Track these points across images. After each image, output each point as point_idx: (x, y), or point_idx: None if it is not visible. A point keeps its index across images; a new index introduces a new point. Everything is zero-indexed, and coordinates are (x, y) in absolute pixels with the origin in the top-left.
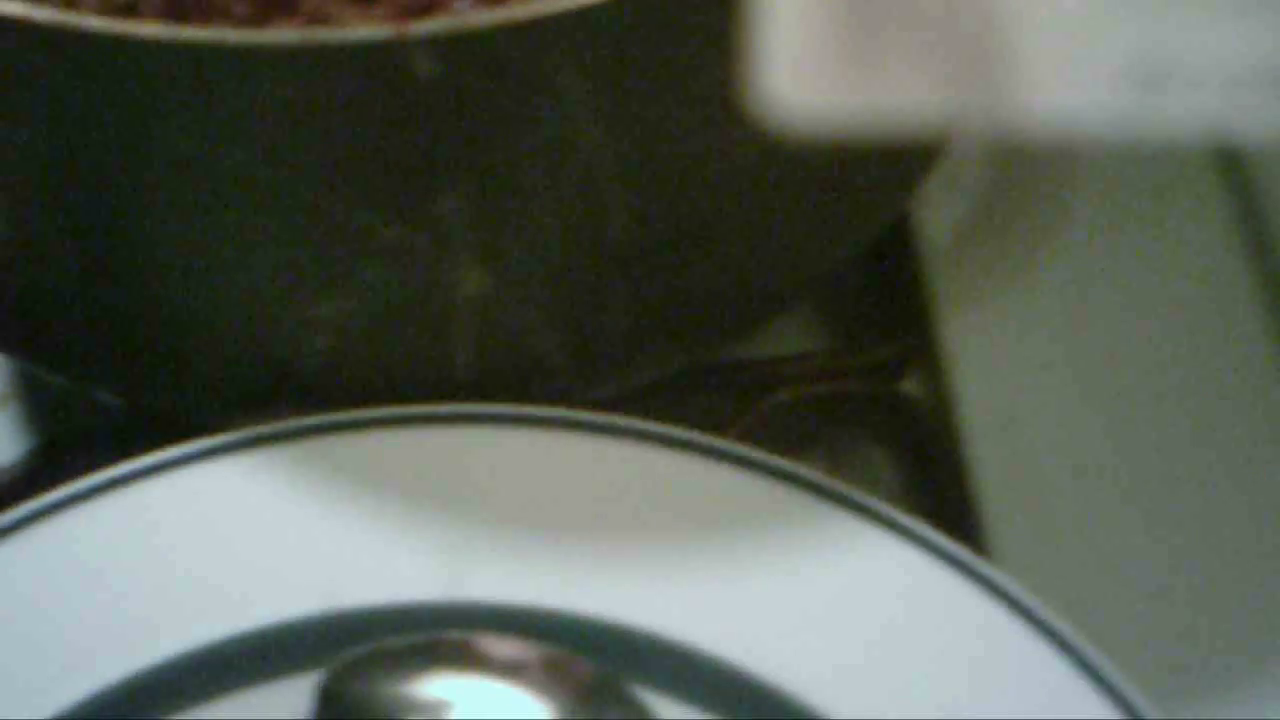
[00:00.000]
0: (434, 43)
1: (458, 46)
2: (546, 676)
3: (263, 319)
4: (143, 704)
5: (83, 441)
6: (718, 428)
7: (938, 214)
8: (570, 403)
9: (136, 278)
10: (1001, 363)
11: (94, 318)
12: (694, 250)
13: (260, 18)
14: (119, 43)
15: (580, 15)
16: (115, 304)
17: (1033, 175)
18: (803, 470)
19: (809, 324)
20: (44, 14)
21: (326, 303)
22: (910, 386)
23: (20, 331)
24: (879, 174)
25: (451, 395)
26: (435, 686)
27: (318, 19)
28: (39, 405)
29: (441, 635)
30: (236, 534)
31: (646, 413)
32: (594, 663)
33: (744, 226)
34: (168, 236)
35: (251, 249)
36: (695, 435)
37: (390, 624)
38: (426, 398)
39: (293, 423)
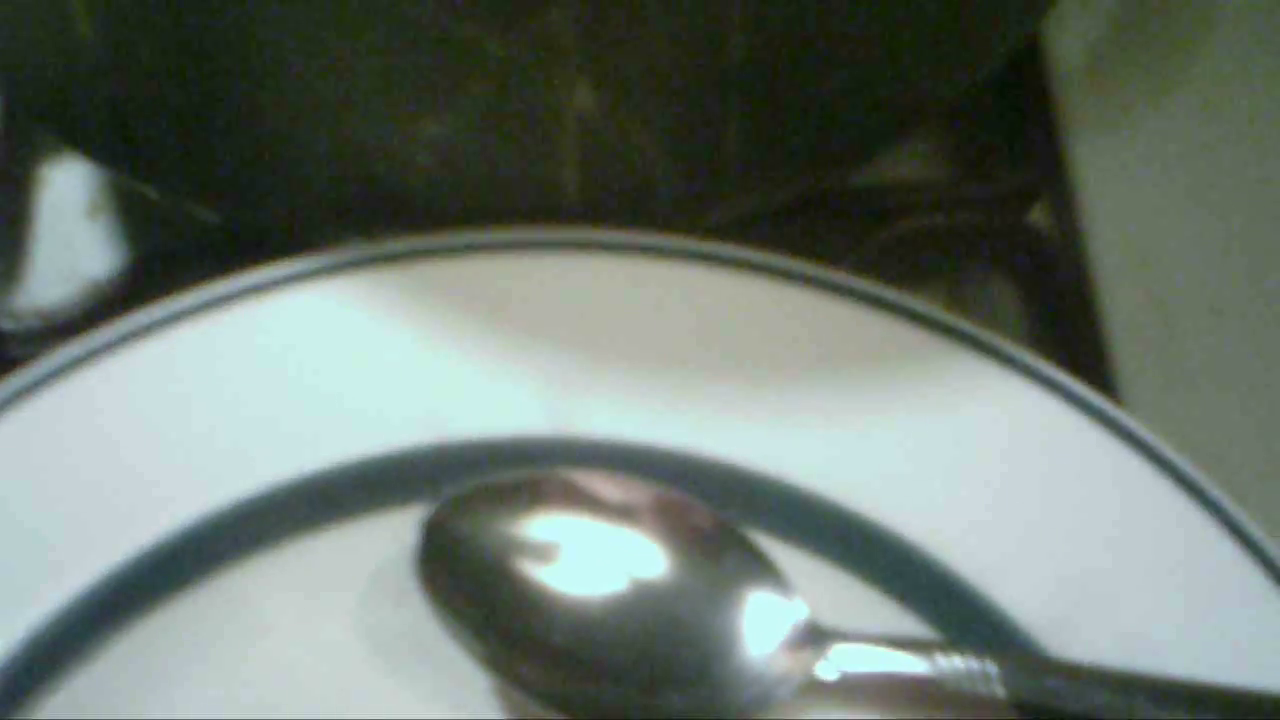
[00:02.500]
0: None
1: None
2: (661, 520)
3: (366, 135)
4: (243, 533)
5: (176, 258)
6: (833, 259)
7: (1070, 35)
8: (681, 230)
9: (236, 88)
10: (1135, 193)
11: (192, 129)
12: (814, 68)
13: None
14: None
15: None
16: (214, 115)
17: None
18: (929, 308)
19: (932, 152)
20: None
21: (432, 119)
22: (1038, 218)
23: (115, 142)
24: None
25: (558, 219)
26: (543, 526)
27: None
28: (132, 219)
29: (549, 472)
30: (336, 359)
31: (759, 242)
32: (708, 507)
33: (867, 44)
34: (270, 47)
35: (356, 62)
36: (817, 268)
37: (495, 458)
38: (534, 221)
39: (395, 244)
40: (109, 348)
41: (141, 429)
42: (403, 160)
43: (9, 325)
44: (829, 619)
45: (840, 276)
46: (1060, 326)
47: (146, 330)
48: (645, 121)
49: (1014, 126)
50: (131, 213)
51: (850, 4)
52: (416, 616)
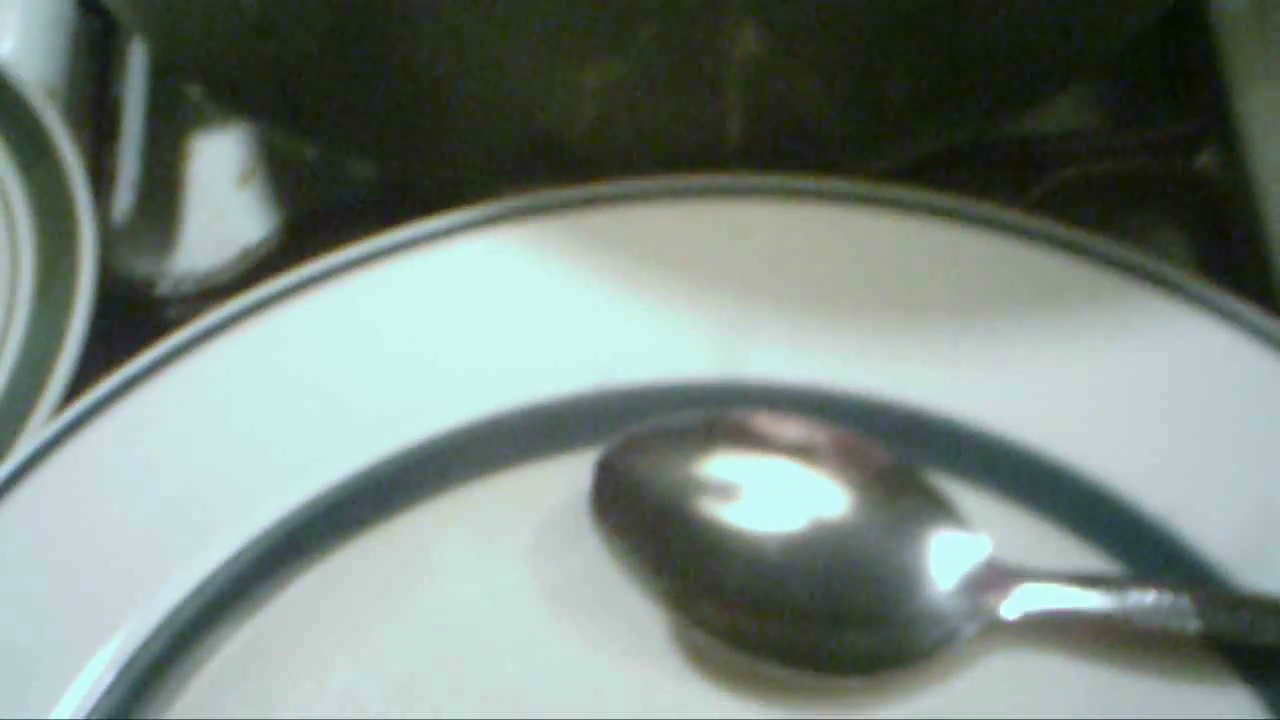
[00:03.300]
0: None
1: None
2: (839, 459)
3: (528, 86)
4: (415, 479)
5: (328, 220)
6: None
7: None
8: (845, 176)
9: (397, 38)
10: None
11: (351, 81)
12: (986, 10)
13: None
14: None
15: None
16: (374, 66)
17: None
18: (1105, 243)
19: (1097, 98)
20: None
21: (595, 67)
22: (1205, 164)
23: (274, 98)
24: None
25: (722, 166)
26: (720, 466)
27: None
28: (286, 181)
29: (723, 413)
30: (504, 308)
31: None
32: (885, 446)
33: None
34: (434, 21)
35: (520, 11)
36: (988, 208)
37: (666, 402)
38: (696, 169)
39: (559, 193)
40: (273, 302)
41: (310, 380)
42: (564, 110)
43: (166, 290)
44: (1010, 558)
45: (1012, 215)
46: (1230, 273)
47: (310, 284)
48: (812, 65)
49: (1179, 72)
50: (282, 180)
51: None
52: (589, 559)
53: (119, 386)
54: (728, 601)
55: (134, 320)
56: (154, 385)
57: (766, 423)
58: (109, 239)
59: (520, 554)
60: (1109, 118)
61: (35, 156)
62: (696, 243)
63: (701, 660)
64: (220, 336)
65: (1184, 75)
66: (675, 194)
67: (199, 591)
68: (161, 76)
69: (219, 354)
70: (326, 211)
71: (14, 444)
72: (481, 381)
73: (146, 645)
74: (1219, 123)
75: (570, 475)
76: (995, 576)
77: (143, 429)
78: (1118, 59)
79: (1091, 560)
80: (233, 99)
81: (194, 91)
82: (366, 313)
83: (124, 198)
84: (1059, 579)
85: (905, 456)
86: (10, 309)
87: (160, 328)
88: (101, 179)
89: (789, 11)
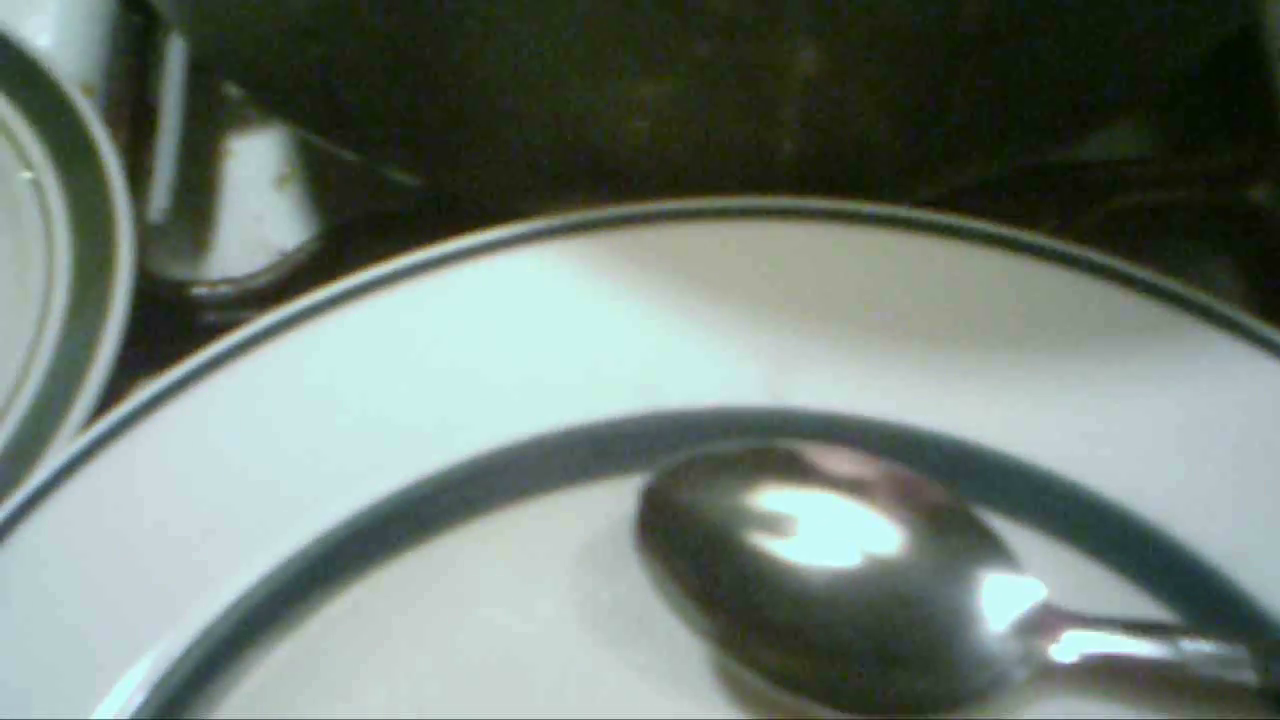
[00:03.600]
0: None
1: None
2: (891, 495)
3: (580, 100)
4: (453, 501)
5: (371, 227)
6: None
7: None
8: (896, 200)
9: (449, 47)
10: None
11: (398, 90)
12: (1045, 37)
13: None
14: None
15: None
16: (423, 75)
17: None
18: (1160, 278)
19: (1149, 126)
20: None
21: (649, 82)
22: (1258, 195)
23: (317, 103)
24: None
25: (773, 187)
26: (769, 498)
27: None
28: (324, 187)
29: (772, 443)
30: (547, 327)
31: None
32: (937, 482)
33: (1102, 10)
34: (484, 6)
35: (574, 23)
36: (1042, 238)
37: (712, 428)
38: (746, 189)
39: (607, 211)
40: (314, 313)
41: (348, 394)
42: (616, 125)
43: (202, 293)
44: (1063, 601)
45: (1064, 246)
46: None
47: (352, 296)
48: (870, 86)
49: (1230, 102)
50: (320, 184)
51: None
52: (631, 588)
53: (156, 396)
54: (773, 638)
55: (169, 323)
56: (191, 396)
57: (817, 454)
58: (144, 240)
59: (561, 580)
60: (1161, 147)
61: (73, 154)
62: (745, 265)
63: (744, 698)
64: (260, 347)
65: (1238, 105)
66: (724, 215)
67: (232, 611)
68: (200, 75)
69: (258, 365)
70: (365, 220)
71: (48, 450)
72: (523, 401)
73: (177, 666)
74: (1273, 154)
75: (612, 500)
76: (1047, 620)
77: (178, 441)
78: (1172, 88)
79: (1146, 607)
80: (274, 102)
81: (233, 92)
82: (409, 327)
83: (160, 198)
84: (1112, 625)
85: (957, 493)
86: (46, 309)
87: (196, 332)
88: (138, 178)
89: (848, 32)
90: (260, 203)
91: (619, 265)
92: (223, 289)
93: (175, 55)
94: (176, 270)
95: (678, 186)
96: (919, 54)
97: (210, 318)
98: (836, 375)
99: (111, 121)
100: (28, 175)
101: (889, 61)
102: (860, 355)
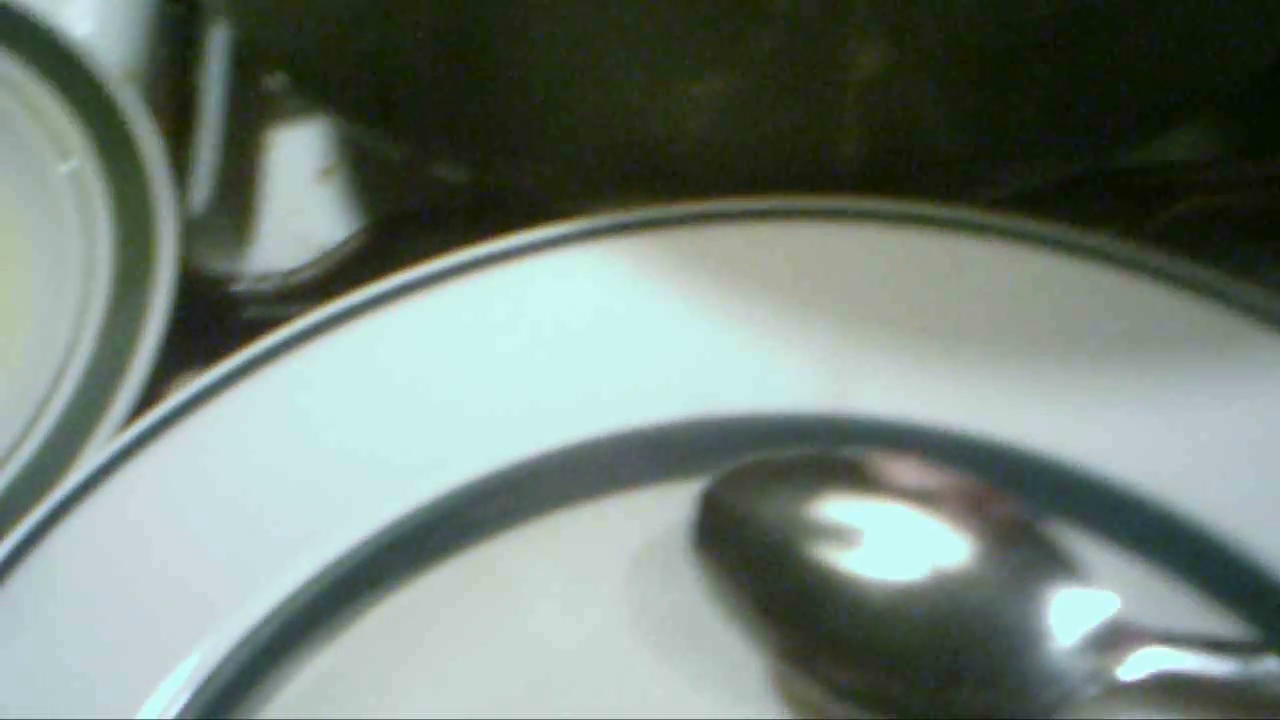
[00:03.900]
0: None
1: None
2: (957, 505)
3: (636, 95)
4: (503, 504)
5: (416, 222)
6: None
7: None
8: (961, 202)
9: (502, 39)
10: None
11: (449, 82)
12: (1117, 35)
13: None
14: None
15: None
16: (475, 67)
17: None
18: (1230, 283)
19: (1220, 128)
20: None
21: (709, 78)
22: None
23: (365, 95)
24: None
25: (833, 187)
26: (831, 507)
27: None
28: (368, 180)
29: (834, 450)
30: (600, 327)
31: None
32: (1004, 492)
33: (1175, 10)
34: (538, 21)
35: (632, 17)
36: (1108, 242)
37: (769, 434)
38: (806, 189)
39: (661, 210)
40: (362, 310)
41: (396, 395)
42: (672, 123)
43: (244, 288)
44: (1134, 616)
45: (1135, 250)
46: None
47: (399, 294)
48: (936, 85)
49: None
50: (364, 177)
51: None
52: (686, 596)
53: (197, 395)
54: (835, 650)
55: (209, 318)
56: (232, 396)
57: (880, 463)
58: (185, 232)
59: (612, 587)
60: (1226, 150)
61: (114, 145)
62: (804, 267)
63: (803, 710)
64: (304, 345)
65: None
66: (783, 215)
67: (274, 616)
68: (242, 65)
69: (302, 363)
70: (409, 214)
71: (88, 446)
72: (575, 403)
73: (218, 672)
74: None
75: (666, 506)
76: (1118, 636)
77: (220, 441)
78: (1245, 89)
79: (1220, 622)
80: (320, 93)
81: (275, 81)
82: (457, 327)
83: (202, 189)
84: (1186, 642)
85: (1024, 503)
86: (85, 304)
87: (236, 327)
88: (179, 169)
89: (916, 27)
90: (302, 196)
91: (674, 265)
92: (264, 284)
93: (217, 44)
94: (217, 263)
95: (734, 185)
96: (987, 52)
97: (251, 313)
98: (898, 380)
99: (154, 111)
100: (68, 166)
101: (956, 59)
102: (923, 360)
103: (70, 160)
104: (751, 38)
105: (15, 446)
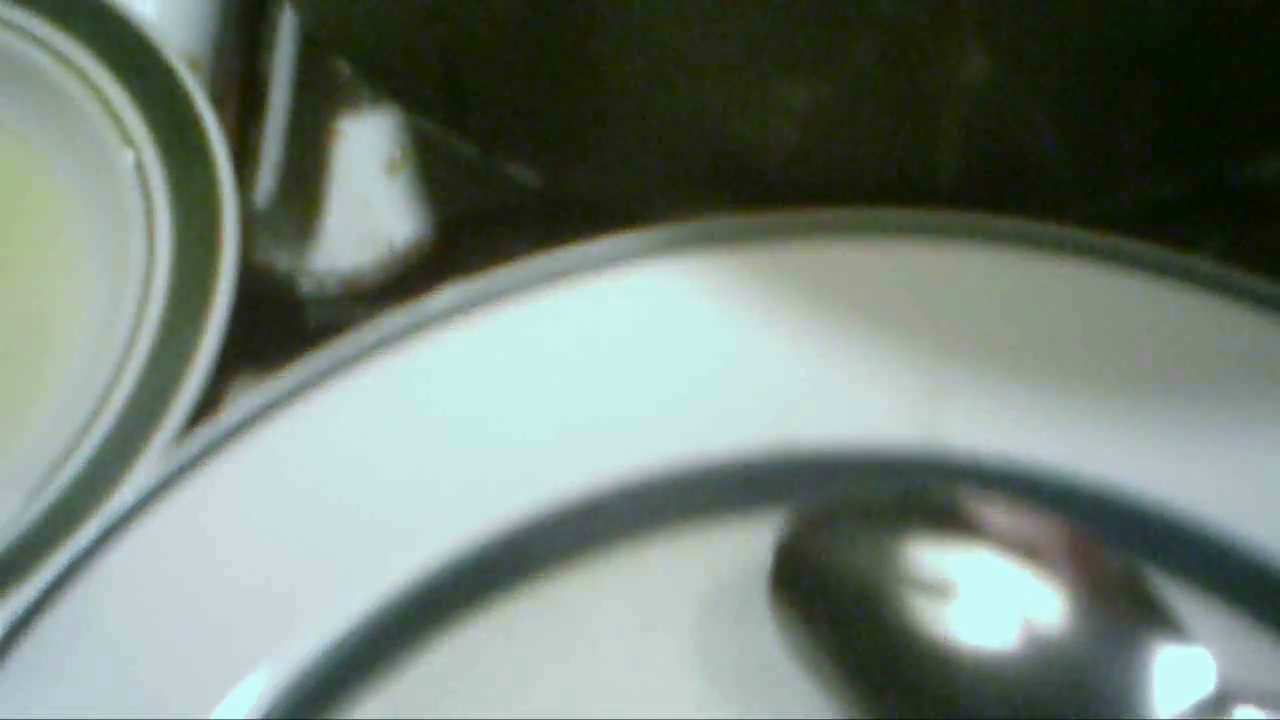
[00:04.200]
0: None
1: None
2: (1057, 557)
3: (724, 99)
4: (568, 536)
5: (483, 223)
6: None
7: None
8: (1065, 219)
9: (583, 39)
10: None
11: (526, 77)
12: (1238, 48)
13: None
14: None
15: None
16: (553, 62)
17: None
18: None
19: None
20: None
21: (802, 84)
22: None
23: (438, 89)
24: None
25: (929, 202)
26: (919, 555)
27: None
28: (438, 176)
29: (920, 491)
30: (675, 346)
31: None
32: (1103, 541)
33: None
34: (621, 17)
35: (723, 15)
36: (1219, 268)
37: (854, 468)
38: (899, 203)
39: (743, 220)
40: (427, 326)
41: (461, 414)
42: (761, 129)
43: (309, 289)
44: (1237, 673)
45: (1250, 280)
46: None
47: (466, 307)
48: (1042, 97)
49: None
50: (435, 171)
51: None
52: (760, 641)
53: (262, 408)
54: (921, 709)
55: (272, 319)
56: (298, 409)
57: (972, 506)
58: (248, 224)
59: (682, 629)
60: None
61: (178, 134)
62: (895, 287)
63: None
64: (370, 359)
65: None
66: (874, 228)
67: (328, 655)
68: (311, 51)
69: (368, 379)
70: (480, 214)
71: (146, 450)
72: (646, 429)
73: (269, 712)
74: None
75: (742, 541)
76: (1221, 698)
77: (282, 459)
78: None
79: None
80: (391, 85)
81: (345, 70)
82: (527, 343)
83: (267, 182)
84: None
85: (1124, 551)
86: (145, 298)
87: (300, 328)
88: (244, 159)
89: (1024, 34)
90: (370, 188)
91: (755, 282)
92: (329, 285)
93: (286, 29)
94: (280, 256)
95: (824, 196)
96: (1097, 63)
97: (315, 315)
98: (991, 415)
99: (218, 99)
100: (131, 156)
101: (1064, 70)
102: (1020, 392)
103: (133, 150)
104: (848, 43)
105: (74, 446)
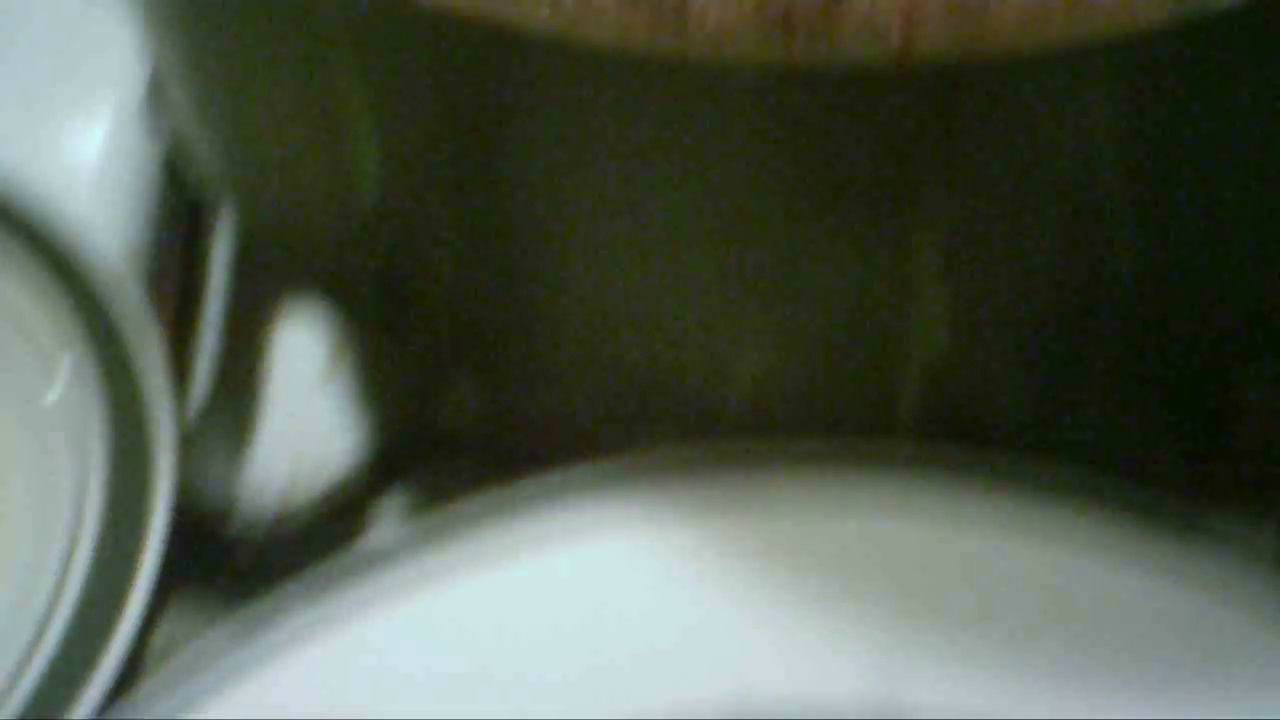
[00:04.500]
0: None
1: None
2: None
3: (677, 345)
4: None
5: (426, 445)
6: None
7: None
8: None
9: (534, 272)
10: None
11: (469, 294)
12: (1203, 298)
13: None
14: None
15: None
16: (503, 298)
17: None
18: None
19: None
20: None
21: (758, 351)
22: None
23: (375, 294)
24: None
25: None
26: None
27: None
28: (375, 387)
29: None
30: (616, 606)
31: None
32: None
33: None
34: (579, 238)
35: (680, 268)
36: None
37: None
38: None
39: (690, 456)
40: (368, 605)
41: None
42: (709, 394)
43: (234, 531)
44: None
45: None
46: None
47: (401, 588)
48: (1002, 350)
49: None
50: (371, 382)
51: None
52: None
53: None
54: None
55: (202, 559)
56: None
57: None
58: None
59: None
60: None
61: (111, 345)
62: (851, 529)
63: None
64: (311, 639)
65: None
66: (826, 461)
67: None
68: (247, 259)
69: (306, 662)
70: (420, 435)
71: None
72: (586, 693)
73: None
74: None
75: None
76: None
77: None
78: None
79: None
80: (326, 287)
81: (282, 280)
82: (449, 624)
83: (199, 392)
84: None
85: None
86: (74, 542)
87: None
88: (179, 367)
89: (985, 288)
90: (305, 400)
91: (702, 523)
92: (256, 529)
93: (222, 237)
94: (213, 474)
95: (780, 427)
96: (1059, 317)
97: (245, 560)
98: (958, 677)
99: (154, 302)
100: (58, 390)
101: (1026, 325)
102: (988, 654)
103: (61, 378)
104: (803, 310)
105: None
